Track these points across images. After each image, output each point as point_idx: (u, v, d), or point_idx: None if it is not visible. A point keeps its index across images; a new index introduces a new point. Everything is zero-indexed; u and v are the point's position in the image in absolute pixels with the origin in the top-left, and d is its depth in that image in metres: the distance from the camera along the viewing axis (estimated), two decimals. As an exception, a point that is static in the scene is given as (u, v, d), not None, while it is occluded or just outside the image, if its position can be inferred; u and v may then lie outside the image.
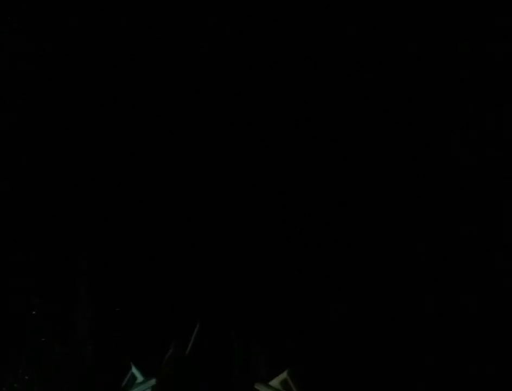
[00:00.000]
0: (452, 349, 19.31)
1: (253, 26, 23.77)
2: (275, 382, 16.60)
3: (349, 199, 23.14)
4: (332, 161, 23.54)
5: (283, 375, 16.87)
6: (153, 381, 16.12)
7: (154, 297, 21.62)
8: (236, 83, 24.17)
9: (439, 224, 21.18)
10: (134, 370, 17.06)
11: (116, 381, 17.35)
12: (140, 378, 16.68)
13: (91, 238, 19.95)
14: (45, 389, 15.78)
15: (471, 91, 21.53)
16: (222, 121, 24.02)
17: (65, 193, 21.94)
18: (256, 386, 15.93)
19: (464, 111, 21.42)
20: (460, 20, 21.88)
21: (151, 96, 23.61)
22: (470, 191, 20.81)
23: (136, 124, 23.36)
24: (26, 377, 15.70)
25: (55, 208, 21.32)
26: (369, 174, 23.03)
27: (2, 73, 18.03)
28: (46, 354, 16.02)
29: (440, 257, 20.58)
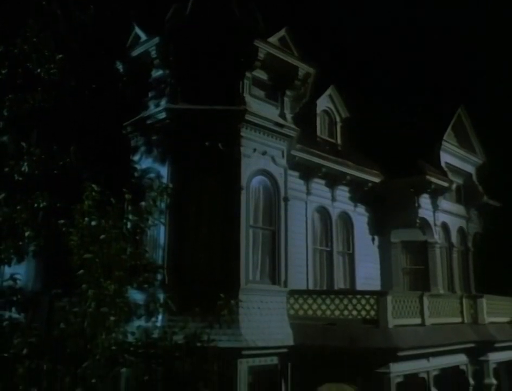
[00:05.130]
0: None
1: None
2: (273, 39, 16.81)
3: None
4: None
5: (282, 32, 17.04)
6: (156, 39, 16.17)
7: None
8: None
9: None
10: (137, 30, 17.26)
11: (121, 42, 17.51)
12: (143, 37, 16.82)
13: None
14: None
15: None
16: None
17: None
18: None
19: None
20: None
21: None
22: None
23: None
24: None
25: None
26: None
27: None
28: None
29: None
